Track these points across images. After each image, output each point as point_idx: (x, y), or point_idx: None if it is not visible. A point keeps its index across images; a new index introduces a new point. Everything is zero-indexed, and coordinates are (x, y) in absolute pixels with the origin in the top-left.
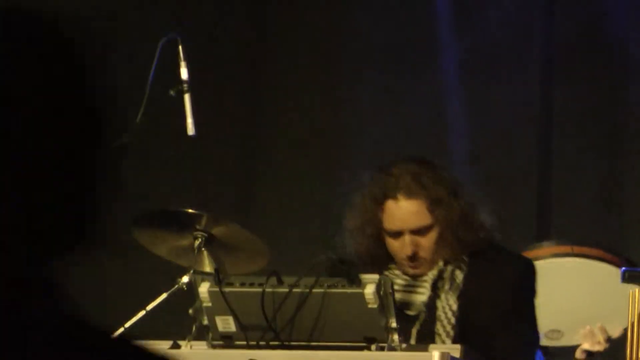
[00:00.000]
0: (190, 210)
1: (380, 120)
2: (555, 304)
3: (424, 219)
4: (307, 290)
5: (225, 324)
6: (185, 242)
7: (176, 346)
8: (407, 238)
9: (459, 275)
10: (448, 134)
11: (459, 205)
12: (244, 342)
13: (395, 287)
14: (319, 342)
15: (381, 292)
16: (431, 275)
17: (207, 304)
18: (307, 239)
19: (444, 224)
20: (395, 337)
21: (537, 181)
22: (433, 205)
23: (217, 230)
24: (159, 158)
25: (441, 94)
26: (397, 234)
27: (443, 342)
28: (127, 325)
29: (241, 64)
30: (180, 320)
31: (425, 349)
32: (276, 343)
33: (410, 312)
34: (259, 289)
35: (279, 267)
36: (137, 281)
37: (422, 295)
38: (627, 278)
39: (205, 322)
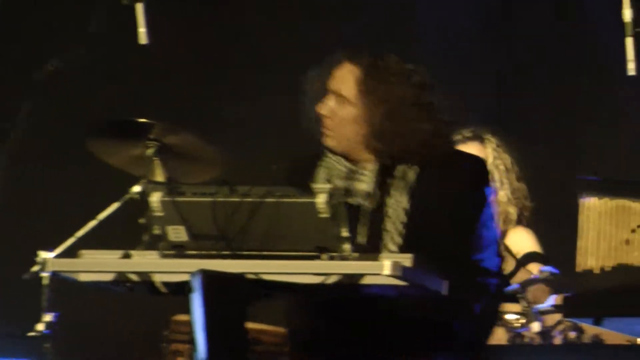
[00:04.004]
0: (142, 120)
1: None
2: None
3: (348, 88)
4: (259, 199)
5: (177, 233)
6: (138, 151)
7: (127, 256)
8: (329, 97)
9: (411, 174)
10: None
11: (403, 105)
12: (195, 252)
13: (336, 172)
14: (270, 251)
15: (333, 202)
16: (371, 166)
17: (159, 213)
18: (264, 151)
19: (371, 109)
20: (347, 246)
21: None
22: (367, 84)
23: (170, 140)
24: (115, 68)
25: None
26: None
27: (392, 239)
28: (80, 234)
29: None
30: (132, 230)
31: (376, 259)
32: (227, 252)
33: (352, 201)
34: (211, 199)
35: (234, 177)
36: (90, 191)
37: (363, 184)
38: (580, 187)
39: (157, 231)
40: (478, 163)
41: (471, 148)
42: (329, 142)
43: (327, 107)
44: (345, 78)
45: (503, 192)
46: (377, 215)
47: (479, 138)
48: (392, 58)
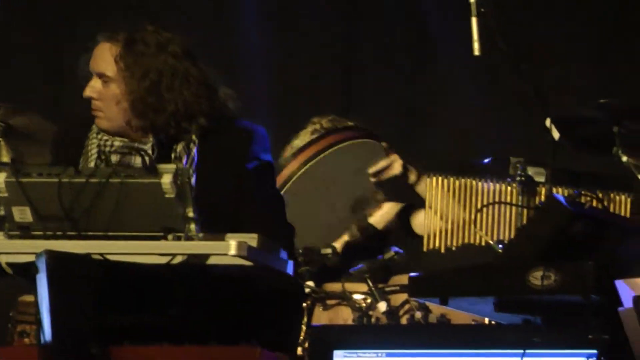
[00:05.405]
0: None
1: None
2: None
3: (109, 67)
4: (104, 180)
5: (22, 214)
6: None
7: None
8: (93, 81)
9: (192, 152)
10: None
11: (162, 77)
12: (41, 233)
13: (114, 149)
14: (116, 232)
15: (178, 182)
16: (147, 142)
17: (3, 194)
18: None
19: (131, 85)
20: (193, 226)
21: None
22: (125, 59)
23: (15, 120)
24: None
25: None
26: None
27: None
28: None
29: None
30: None
31: (222, 238)
32: (73, 233)
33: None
34: (56, 179)
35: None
36: None
37: (139, 159)
38: (427, 167)
39: (2, 212)
40: (250, 132)
41: None
42: (102, 124)
43: (92, 88)
44: (105, 57)
45: None
46: None
47: None
48: (149, 29)
